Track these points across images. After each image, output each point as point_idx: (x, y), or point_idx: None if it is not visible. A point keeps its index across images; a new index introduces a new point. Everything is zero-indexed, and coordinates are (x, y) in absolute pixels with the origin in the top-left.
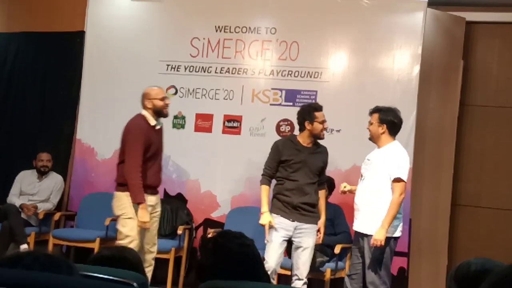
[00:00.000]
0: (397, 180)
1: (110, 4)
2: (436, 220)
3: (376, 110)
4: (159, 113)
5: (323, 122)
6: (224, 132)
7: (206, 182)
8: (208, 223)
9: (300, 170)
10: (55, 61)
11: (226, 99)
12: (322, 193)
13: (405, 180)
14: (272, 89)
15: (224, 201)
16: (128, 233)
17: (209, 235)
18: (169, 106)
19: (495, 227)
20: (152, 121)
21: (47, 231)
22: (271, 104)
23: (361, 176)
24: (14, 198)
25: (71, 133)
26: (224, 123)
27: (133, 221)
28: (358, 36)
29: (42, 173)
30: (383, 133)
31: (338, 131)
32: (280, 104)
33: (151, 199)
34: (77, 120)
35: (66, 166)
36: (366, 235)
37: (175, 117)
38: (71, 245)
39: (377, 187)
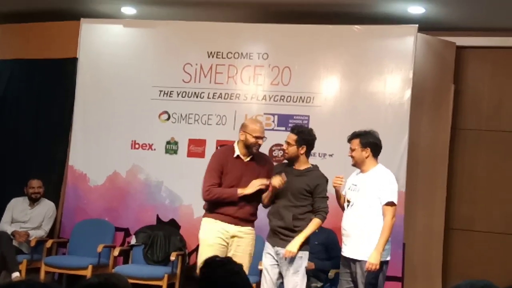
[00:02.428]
0: (389, 204)
1: (102, 30)
2: (430, 244)
3: (355, 135)
4: (248, 148)
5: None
6: None
7: (199, 208)
8: None
9: (281, 192)
10: (48, 87)
11: (219, 124)
12: (313, 220)
13: (396, 203)
14: (265, 114)
15: None
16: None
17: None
18: (260, 146)
19: (489, 251)
20: (236, 152)
21: (39, 259)
22: None
23: (348, 202)
24: (6, 226)
25: (64, 159)
26: (217, 148)
27: (201, 247)
28: (350, 61)
29: (33, 200)
30: (368, 156)
31: (331, 155)
32: (272, 129)
33: (229, 228)
34: (69, 146)
35: (58, 193)
36: (358, 261)
37: (168, 142)
38: (63, 272)
39: (366, 212)
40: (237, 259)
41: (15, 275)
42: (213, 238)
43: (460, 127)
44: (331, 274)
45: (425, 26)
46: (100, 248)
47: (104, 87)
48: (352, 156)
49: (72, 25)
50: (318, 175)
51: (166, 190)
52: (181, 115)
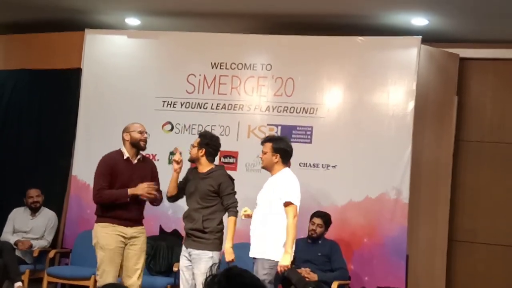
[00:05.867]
0: (287, 204)
1: (106, 41)
2: (433, 256)
3: (268, 139)
4: (136, 145)
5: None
6: None
7: None
8: None
9: (192, 196)
10: (51, 97)
11: (222, 135)
12: (228, 220)
13: (295, 203)
14: (268, 125)
15: None
16: (99, 264)
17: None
18: (146, 140)
19: (492, 263)
20: (126, 154)
21: (42, 269)
22: None
23: (257, 204)
24: (8, 236)
25: (67, 169)
26: (220, 159)
27: (100, 251)
28: (353, 72)
29: (34, 210)
30: (277, 162)
31: (334, 166)
32: None
33: (127, 230)
34: (73, 156)
35: (61, 203)
36: (255, 259)
37: (171, 153)
38: (66, 283)
39: (268, 213)
40: (136, 258)
41: (18, 285)
42: (114, 242)
43: (463, 139)
44: (334, 286)
45: (429, 37)
46: None
47: (107, 97)
48: (262, 159)
49: (76, 35)
50: (221, 174)
51: None
52: (184, 125)
